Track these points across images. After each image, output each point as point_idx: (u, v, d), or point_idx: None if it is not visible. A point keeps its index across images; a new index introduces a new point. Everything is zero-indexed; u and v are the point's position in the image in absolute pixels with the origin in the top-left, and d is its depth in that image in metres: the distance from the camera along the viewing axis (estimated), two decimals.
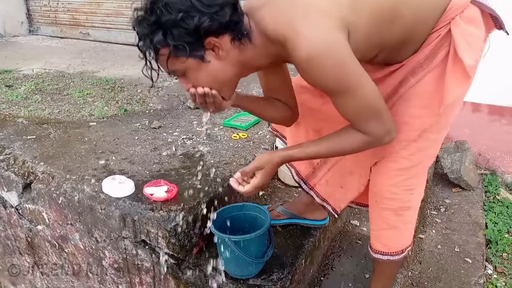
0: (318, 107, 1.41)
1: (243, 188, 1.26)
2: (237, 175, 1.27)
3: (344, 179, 1.49)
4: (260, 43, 1.05)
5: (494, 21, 1.13)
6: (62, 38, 5.54)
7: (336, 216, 1.60)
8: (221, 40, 1.00)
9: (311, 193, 1.58)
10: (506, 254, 2.25)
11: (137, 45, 1.02)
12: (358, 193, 1.50)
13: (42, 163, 1.86)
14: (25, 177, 1.88)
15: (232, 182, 1.28)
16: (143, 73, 1.06)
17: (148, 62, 1.04)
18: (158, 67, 1.06)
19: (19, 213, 1.98)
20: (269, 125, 1.71)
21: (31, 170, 1.87)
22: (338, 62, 0.99)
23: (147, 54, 1.02)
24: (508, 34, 1.17)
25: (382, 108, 1.08)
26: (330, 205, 1.57)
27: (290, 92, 1.37)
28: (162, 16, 0.95)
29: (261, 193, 2.02)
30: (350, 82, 1.02)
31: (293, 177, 1.62)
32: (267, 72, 1.32)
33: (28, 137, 2.15)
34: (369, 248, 1.47)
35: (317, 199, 1.58)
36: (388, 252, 1.40)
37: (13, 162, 1.93)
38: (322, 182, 1.55)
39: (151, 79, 1.07)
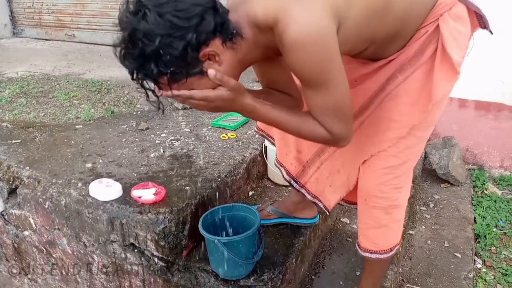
0: None
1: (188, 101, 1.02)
2: (212, 72, 0.97)
3: (332, 177, 1.49)
4: (251, 36, 1.00)
5: (478, 20, 1.15)
6: (47, 40, 5.46)
7: (328, 213, 1.60)
8: (212, 46, 0.95)
9: (302, 191, 1.58)
10: (494, 248, 2.27)
11: (132, 79, 0.96)
12: (347, 191, 1.49)
13: (28, 168, 1.83)
14: (10, 182, 1.84)
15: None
16: (148, 100, 1.01)
17: (151, 92, 0.99)
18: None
19: (5, 219, 1.95)
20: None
21: (16, 175, 1.83)
22: (323, 53, 0.95)
23: (145, 83, 0.96)
24: (492, 33, 1.18)
25: (349, 112, 1.07)
26: (321, 202, 1.57)
27: (288, 81, 1.30)
28: (145, 47, 0.88)
29: (250, 193, 2.02)
30: (330, 77, 0.99)
31: (284, 176, 1.62)
32: (261, 66, 1.28)
33: (13, 141, 2.11)
34: (357, 247, 1.47)
35: (309, 197, 1.58)
36: (377, 251, 1.41)
37: None
38: (312, 179, 1.55)
39: (159, 106, 1.02)
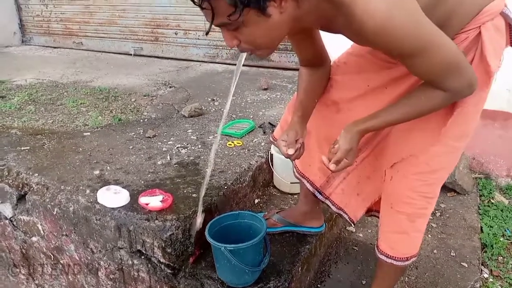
0: (331, 115, 1.42)
1: (335, 167, 1.18)
2: (330, 163, 1.18)
3: (361, 185, 1.48)
4: (315, 1, 0.99)
5: (511, 38, 1.15)
6: (55, 48, 5.53)
7: (353, 225, 1.60)
8: None
9: (327, 202, 1.57)
10: (501, 257, 2.25)
11: None
12: (378, 196, 1.46)
13: (37, 174, 1.85)
14: (20, 189, 1.87)
15: (325, 159, 1.20)
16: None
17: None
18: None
19: (13, 224, 1.97)
20: (264, 132, 1.68)
21: (25, 181, 1.86)
22: (415, 20, 0.96)
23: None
24: None
25: (462, 60, 1.05)
26: (346, 214, 1.56)
27: (323, 50, 1.35)
28: None
29: (256, 200, 2.03)
30: (429, 38, 0.99)
31: (308, 188, 1.59)
32: (299, 42, 1.31)
33: (22, 148, 2.14)
34: (375, 248, 1.44)
35: (334, 208, 1.57)
36: (393, 256, 1.38)
37: (7, 174, 1.92)
38: (337, 190, 1.54)
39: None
